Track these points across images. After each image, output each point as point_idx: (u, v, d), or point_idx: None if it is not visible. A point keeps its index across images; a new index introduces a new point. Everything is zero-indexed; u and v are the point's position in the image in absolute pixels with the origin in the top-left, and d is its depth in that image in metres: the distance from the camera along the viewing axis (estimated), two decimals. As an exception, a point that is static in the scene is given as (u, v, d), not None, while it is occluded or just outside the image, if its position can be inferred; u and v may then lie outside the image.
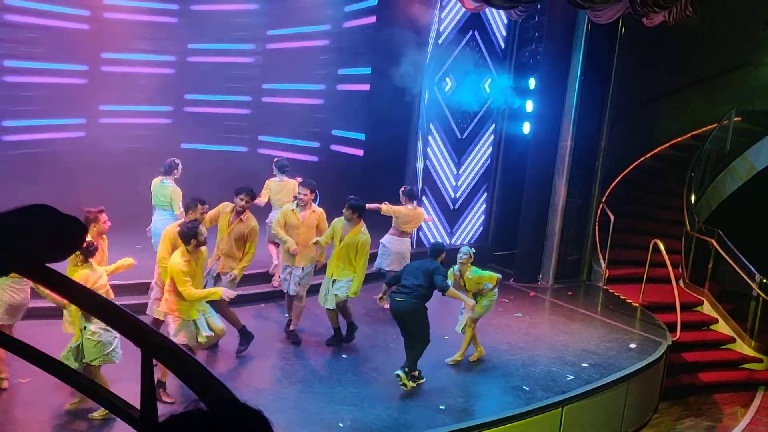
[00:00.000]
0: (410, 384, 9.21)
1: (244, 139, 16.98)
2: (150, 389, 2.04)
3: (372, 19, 15.46)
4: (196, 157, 14.35)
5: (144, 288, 10.04)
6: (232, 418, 1.57)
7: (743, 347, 13.80)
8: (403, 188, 12.25)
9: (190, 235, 8.57)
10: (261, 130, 16.99)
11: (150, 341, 2.07)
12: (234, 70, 16.78)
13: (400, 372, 9.19)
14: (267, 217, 12.02)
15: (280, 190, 12.00)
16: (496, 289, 10.38)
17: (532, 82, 14.59)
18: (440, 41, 13.99)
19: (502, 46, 14.62)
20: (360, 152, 16.17)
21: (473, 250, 10.39)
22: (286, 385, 9.38)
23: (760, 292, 13.51)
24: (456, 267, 10.16)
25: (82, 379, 2.48)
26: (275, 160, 12.47)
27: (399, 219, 11.94)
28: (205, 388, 1.97)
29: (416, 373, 9.38)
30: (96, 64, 15.20)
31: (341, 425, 8.33)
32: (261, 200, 11.65)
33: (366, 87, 15.76)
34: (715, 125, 16.84)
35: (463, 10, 13.45)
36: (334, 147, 16.30)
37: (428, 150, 14.34)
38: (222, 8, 16.23)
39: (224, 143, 16.69)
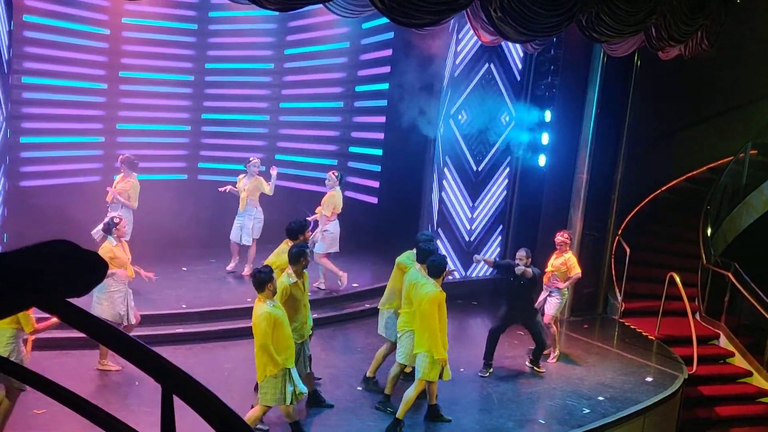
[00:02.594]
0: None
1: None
2: (171, 427, 2.05)
3: (388, 52, 15.61)
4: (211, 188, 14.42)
5: (160, 318, 10.12)
6: None
7: (760, 381, 13.70)
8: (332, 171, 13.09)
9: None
10: (276, 162, 17.07)
11: (171, 376, 2.09)
12: (250, 100, 16.84)
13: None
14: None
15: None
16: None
17: (548, 115, 14.65)
18: (456, 74, 14.08)
19: (518, 78, 14.69)
20: (376, 184, 16.26)
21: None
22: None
23: (777, 326, 13.44)
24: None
25: (98, 412, 2.51)
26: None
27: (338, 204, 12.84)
28: (228, 428, 1.98)
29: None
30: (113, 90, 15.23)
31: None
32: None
33: (382, 119, 15.90)
34: (731, 158, 16.85)
35: (480, 42, 13.55)
36: (350, 179, 16.38)
37: (444, 182, 14.38)
38: (239, 28, 16.18)
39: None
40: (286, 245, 9.68)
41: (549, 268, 11.59)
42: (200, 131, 16.25)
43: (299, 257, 8.89)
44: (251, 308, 11.51)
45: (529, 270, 10.98)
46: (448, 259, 10.54)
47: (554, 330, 11.95)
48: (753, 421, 13.10)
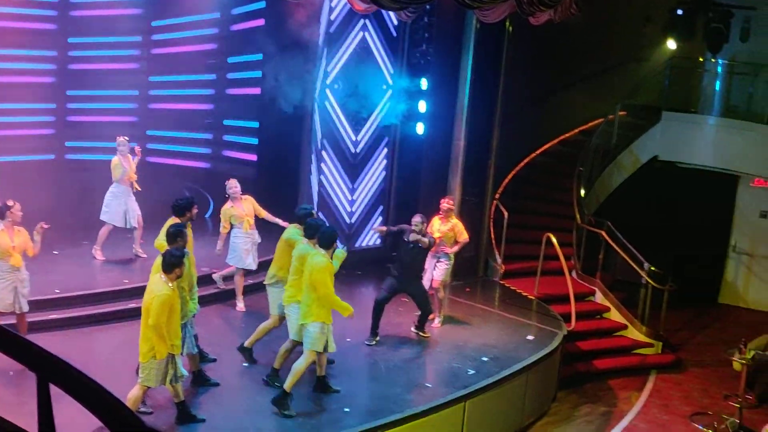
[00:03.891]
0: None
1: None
2: (48, 418, 1.93)
3: (261, 22, 15.36)
4: (80, 168, 13.94)
5: (32, 304, 9.72)
6: None
7: (635, 333, 14.28)
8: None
9: None
10: (149, 138, 16.62)
11: (45, 364, 1.96)
12: (119, 75, 16.32)
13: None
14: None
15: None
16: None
17: (424, 83, 14.72)
18: (330, 43, 13.95)
19: (393, 47, 14.69)
20: (254, 157, 16.04)
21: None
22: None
23: (649, 280, 13.99)
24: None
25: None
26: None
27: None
28: (110, 415, 1.88)
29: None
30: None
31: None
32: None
33: (257, 90, 15.65)
34: (602, 120, 17.36)
35: (353, 10, 13.45)
36: (227, 152, 16.10)
37: (323, 165, 14.21)
38: (103, 13, 15.71)
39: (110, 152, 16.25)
40: (172, 221, 9.45)
41: (437, 234, 11.70)
42: (66, 109, 15.63)
43: (176, 237, 8.77)
44: (127, 290, 11.33)
45: (425, 239, 11.08)
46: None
47: (441, 295, 12.10)
48: (629, 372, 13.64)
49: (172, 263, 7.96)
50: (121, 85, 16.14)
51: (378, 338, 11.18)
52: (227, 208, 11.44)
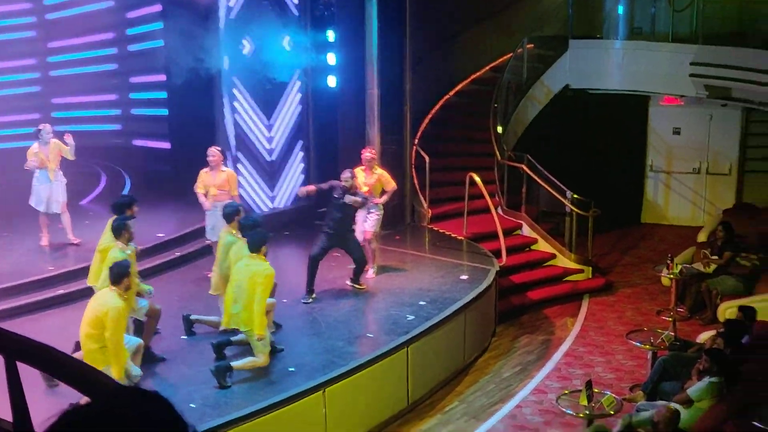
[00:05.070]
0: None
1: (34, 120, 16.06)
2: (20, 397, 1.86)
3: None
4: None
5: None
6: (120, 405, 1.43)
7: (564, 261, 14.53)
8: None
9: None
10: (54, 107, 16.16)
11: (11, 345, 1.89)
12: (14, 46, 15.68)
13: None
14: None
15: None
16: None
17: (330, 35, 14.55)
18: (231, 3, 13.67)
19: (296, 1, 14.47)
20: (165, 128, 15.72)
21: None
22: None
23: (572, 208, 14.21)
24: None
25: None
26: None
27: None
28: (85, 382, 1.83)
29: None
30: None
31: (193, 406, 8.14)
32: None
33: (161, 60, 15.30)
34: (511, 55, 17.42)
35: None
36: (136, 110, 15.70)
37: (235, 104, 13.99)
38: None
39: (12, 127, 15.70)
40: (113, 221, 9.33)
41: (364, 189, 11.65)
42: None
43: (121, 230, 8.77)
44: (54, 277, 11.08)
45: (359, 199, 11.05)
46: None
47: (374, 246, 12.10)
48: (563, 299, 13.89)
49: (120, 273, 7.93)
50: (19, 55, 15.61)
51: (314, 295, 11.15)
52: (202, 172, 11.59)
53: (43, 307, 10.60)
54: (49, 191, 12.13)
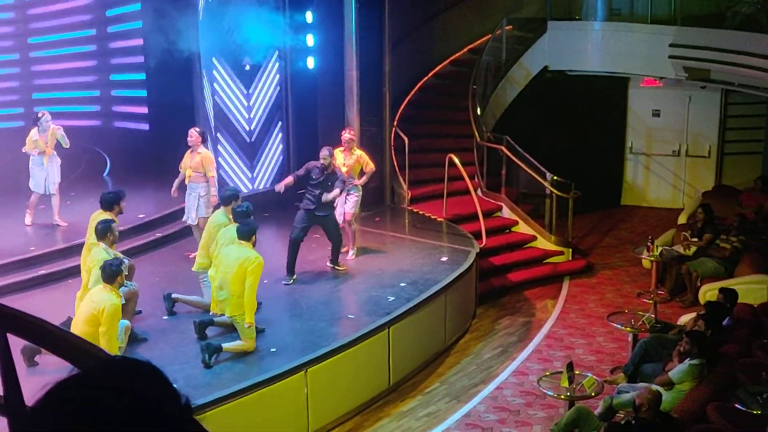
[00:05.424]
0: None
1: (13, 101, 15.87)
2: (11, 369, 1.82)
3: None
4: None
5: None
6: (113, 375, 1.39)
7: (545, 243, 14.54)
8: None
9: None
10: (34, 88, 16.01)
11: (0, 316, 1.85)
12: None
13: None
14: None
15: None
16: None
17: (309, 16, 14.42)
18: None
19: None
20: (144, 109, 15.58)
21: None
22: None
23: (552, 190, 14.21)
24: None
25: None
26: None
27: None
28: (77, 353, 1.79)
29: None
30: None
31: (175, 386, 8.05)
32: None
33: (140, 42, 15.12)
34: (490, 36, 17.36)
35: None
36: (115, 92, 15.53)
37: (215, 84, 13.85)
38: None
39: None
40: (99, 215, 9.27)
41: (344, 169, 11.58)
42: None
43: (106, 233, 8.71)
44: (38, 257, 10.97)
45: (337, 191, 10.99)
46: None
47: (354, 227, 12.06)
48: (543, 281, 13.92)
49: (113, 273, 7.94)
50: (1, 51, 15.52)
51: (295, 276, 11.09)
52: (186, 153, 11.55)
53: (25, 288, 10.48)
54: (45, 173, 12.24)
